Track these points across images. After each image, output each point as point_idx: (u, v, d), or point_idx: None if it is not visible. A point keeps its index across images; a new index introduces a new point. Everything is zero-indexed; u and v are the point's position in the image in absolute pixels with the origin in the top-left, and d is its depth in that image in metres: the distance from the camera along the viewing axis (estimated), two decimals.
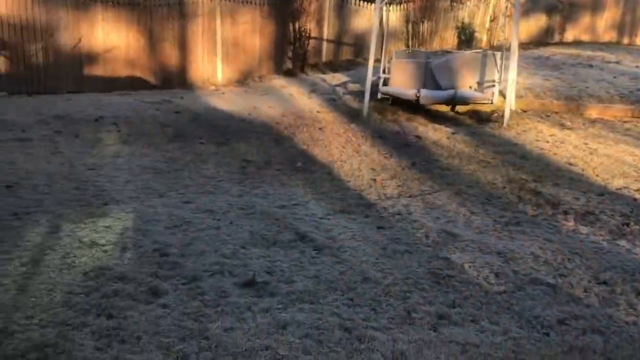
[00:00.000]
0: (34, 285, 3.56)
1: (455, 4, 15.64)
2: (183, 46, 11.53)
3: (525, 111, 9.63)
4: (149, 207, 5.19)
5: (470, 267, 4.22)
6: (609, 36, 16.83)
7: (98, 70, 10.71)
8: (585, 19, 16.99)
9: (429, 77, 9.96)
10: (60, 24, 10.17)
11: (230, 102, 10.28)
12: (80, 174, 6.12)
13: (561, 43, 15.91)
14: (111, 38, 10.68)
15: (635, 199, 5.99)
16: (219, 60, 11.90)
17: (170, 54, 11.39)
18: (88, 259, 3.98)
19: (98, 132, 7.92)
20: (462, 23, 15.57)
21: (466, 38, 15.45)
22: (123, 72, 10.93)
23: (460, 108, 9.87)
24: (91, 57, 10.61)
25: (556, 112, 9.60)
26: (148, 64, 11.18)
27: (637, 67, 11.76)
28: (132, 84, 10.96)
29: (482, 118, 9.46)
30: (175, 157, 7.08)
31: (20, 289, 3.49)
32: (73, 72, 10.47)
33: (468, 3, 15.65)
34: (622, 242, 4.86)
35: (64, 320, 3.15)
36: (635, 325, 3.49)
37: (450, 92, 9.45)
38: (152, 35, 11.10)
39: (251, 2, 12.12)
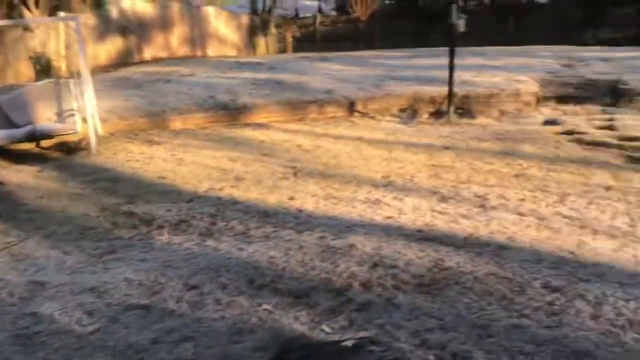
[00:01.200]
0: None
1: (25, 32, 14.67)
2: None
3: (112, 134, 9.59)
4: None
5: (60, 314, 3.94)
6: (184, 51, 18.18)
7: None
8: (160, 37, 17.95)
9: (1, 115, 9.02)
10: None
11: None
12: None
13: (142, 62, 16.42)
14: None
15: (219, 198, 6.53)
16: None
17: None
18: None
19: None
20: (35, 52, 14.67)
21: (43, 68, 14.59)
22: None
23: (46, 142, 9.24)
24: None
25: (143, 130, 9.84)
26: None
27: (208, 77, 12.93)
28: None
29: (71, 149, 9.06)
30: None
31: None
32: None
33: (37, 31, 14.83)
34: (210, 242, 5.22)
35: None
36: (222, 319, 3.75)
37: (29, 127, 8.75)
38: None
39: None
